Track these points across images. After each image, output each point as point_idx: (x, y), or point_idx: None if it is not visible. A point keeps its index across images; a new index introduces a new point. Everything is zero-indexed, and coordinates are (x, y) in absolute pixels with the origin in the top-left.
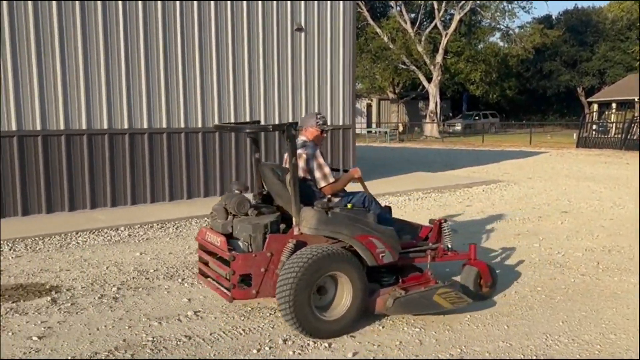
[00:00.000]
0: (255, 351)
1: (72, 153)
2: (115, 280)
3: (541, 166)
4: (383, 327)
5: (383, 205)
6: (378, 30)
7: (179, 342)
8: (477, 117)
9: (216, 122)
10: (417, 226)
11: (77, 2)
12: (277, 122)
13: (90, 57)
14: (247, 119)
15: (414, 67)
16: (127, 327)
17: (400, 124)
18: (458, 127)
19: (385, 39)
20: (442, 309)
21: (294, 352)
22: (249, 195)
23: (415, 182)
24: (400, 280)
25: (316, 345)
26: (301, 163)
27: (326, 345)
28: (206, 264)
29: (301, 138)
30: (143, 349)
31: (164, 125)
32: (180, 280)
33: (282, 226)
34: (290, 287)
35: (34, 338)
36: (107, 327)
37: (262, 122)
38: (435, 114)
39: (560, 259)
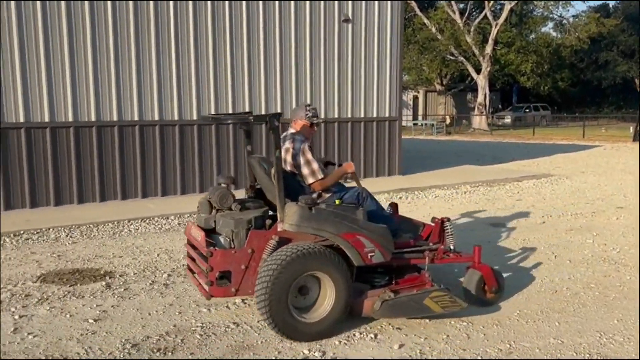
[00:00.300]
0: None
1: (125, 145)
2: (166, 267)
3: (595, 160)
4: (430, 320)
5: (389, 202)
6: (426, 20)
7: (227, 329)
8: (527, 110)
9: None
10: (419, 225)
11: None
12: (322, 115)
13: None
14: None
15: (462, 58)
16: (177, 313)
17: (447, 117)
18: (507, 120)
19: (433, 29)
20: (432, 313)
21: (339, 342)
22: (241, 192)
23: (463, 175)
24: (393, 282)
25: (362, 335)
26: (288, 157)
27: (372, 336)
28: (194, 259)
29: (290, 131)
30: (192, 335)
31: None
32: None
33: (270, 222)
34: (266, 287)
35: (90, 320)
36: (158, 313)
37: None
38: (483, 106)
39: (615, 255)
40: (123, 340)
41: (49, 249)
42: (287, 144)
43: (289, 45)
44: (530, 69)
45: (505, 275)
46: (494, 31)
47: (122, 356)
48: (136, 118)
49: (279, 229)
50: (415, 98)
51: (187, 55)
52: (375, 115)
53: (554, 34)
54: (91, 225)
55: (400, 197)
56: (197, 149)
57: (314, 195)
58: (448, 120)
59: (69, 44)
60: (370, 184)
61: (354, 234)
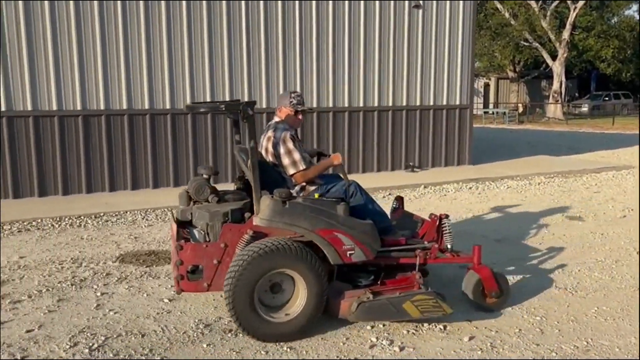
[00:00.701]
0: (369, 327)
1: (198, 129)
2: None
3: None
4: (502, 314)
5: (395, 196)
6: (499, 5)
7: None
8: (607, 98)
9: (330, 104)
10: (419, 221)
11: None
12: (389, 103)
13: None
14: (362, 102)
15: (537, 44)
16: None
17: (520, 105)
18: (585, 109)
19: (507, 14)
20: (410, 318)
21: (407, 332)
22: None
23: (537, 166)
24: (379, 282)
25: (431, 326)
26: (269, 146)
27: (441, 327)
28: None
29: (274, 119)
30: None
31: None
32: None
33: (250, 215)
34: (231, 283)
35: (165, 300)
36: None
37: (376, 103)
38: (559, 94)
39: None
40: (197, 320)
41: (127, 231)
42: (269, 133)
43: (357, 33)
44: (611, 55)
45: (580, 270)
46: (572, 15)
47: (195, 335)
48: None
49: (254, 222)
50: (487, 85)
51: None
52: (445, 103)
53: (639, 17)
54: (165, 209)
55: (470, 188)
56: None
57: (297, 188)
58: (521, 109)
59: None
60: (439, 174)
61: (331, 230)
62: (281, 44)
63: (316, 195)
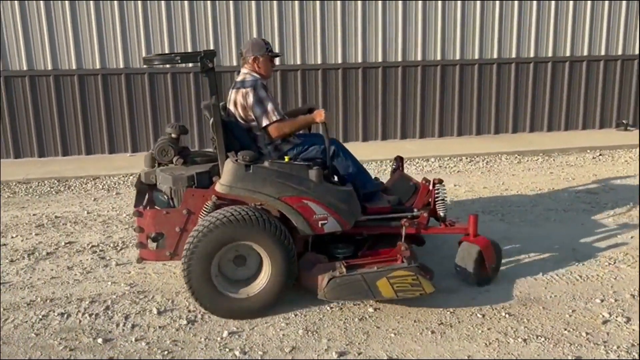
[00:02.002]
0: (598, 300)
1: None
2: None
3: None
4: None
5: (395, 156)
6: None
7: None
8: None
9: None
10: (415, 186)
11: None
12: (531, 54)
13: None
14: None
15: None
16: None
17: None
18: None
19: None
20: (382, 298)
21: None
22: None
23: None
24: (359, 254)
25: None
26: (239, 98)
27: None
28: None
29: (243, 71)
30: None
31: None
32: (500, 215)
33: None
34: (186, 255)
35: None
36: None
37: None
38: None
39: None
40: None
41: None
42: (238, 84)
43: None
44: None
45: None
46: None
47: None
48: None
49: (216, 187)
50: None
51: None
52: (602, 52)
53: None
54: None
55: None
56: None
57: (269, 148)
58: None
59: None
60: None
61: (300, 197)
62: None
63: (286, 159)
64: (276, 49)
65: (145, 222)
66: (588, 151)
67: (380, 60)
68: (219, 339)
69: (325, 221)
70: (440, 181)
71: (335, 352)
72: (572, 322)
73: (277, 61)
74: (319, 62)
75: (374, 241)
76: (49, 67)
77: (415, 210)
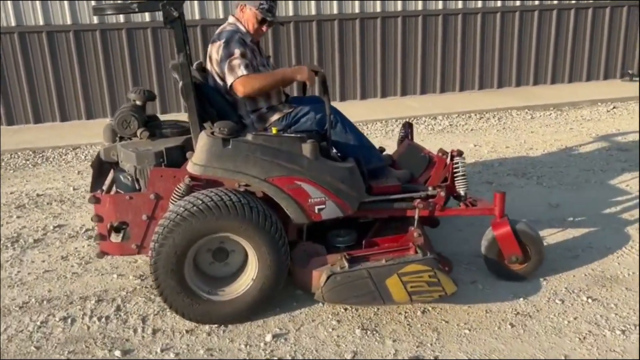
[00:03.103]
0: None
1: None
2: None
3: None
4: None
5: (403, 122)
6: None
7: None
8: None
9: None
10: (428, 159)
11: None
12: None
13: None
14: None
15: None
16: None
17: None
18: None
19: None
20: (392, 302)
21: None
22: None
23: None
24: (364, 242)
25: None
26: (213, 52)
27: None
28: None
29: (228, 20)
30: None
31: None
32: (535, 178)
33: None
34: (154, 249)
35: None
36: None
37: None
38: None
39: None
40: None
41: None
42: (215, 35)
43: None
44: None
45: None
46: None
47: None
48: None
49: (187, 167)
50: None
51: None
52: None
53: None
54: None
55: None
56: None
57: (252, 118)
58: None
59: None
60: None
61: (291, 178)
62: None
63: (274, 130)
64: None
65: (105, 209)
66: (599, 104)
67: (379, 10)
68: (262, 344)
69: (323, 206)
70: (460, 153)
71: (407, 358)
72: None
73: (265, 28)
74: (313, 12)
75: (381, 226)
76: (12, 24)
77: (429, 188)
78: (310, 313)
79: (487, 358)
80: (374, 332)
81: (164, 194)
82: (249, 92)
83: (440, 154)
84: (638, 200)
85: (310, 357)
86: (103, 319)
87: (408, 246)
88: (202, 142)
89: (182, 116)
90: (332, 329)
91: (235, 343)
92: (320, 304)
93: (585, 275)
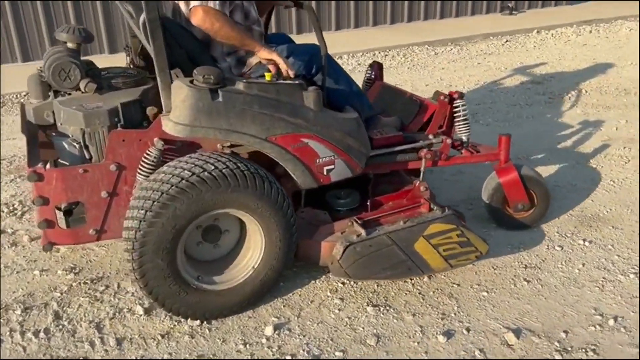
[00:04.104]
0: None
1: None
2: None
3: None
4: None
5: (371, 62)
6: None
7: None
8: None
9: None
10: (415, 104)
11: None
12: None
13: None
14: None
15: None
16: None
17: None
18: None
19: None
20: (431, 271)
21: None
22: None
23: None
24: (368, 202)
25: None
26: None
27: None
28: None
29: None
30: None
31: None
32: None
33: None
34: (135, 240)
35: None
36: None
37: None
38: None
39: None
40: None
41: None
42: None
43: None
44: None
45: None
46: None
47: None
48: None
49: (163, 127)
50: None
51: None
52: None
53: None
54: None
55: (590, 31)
56: None
57: (229, 62)
58: None
59: None
60: (543, 17)
61: (297, 135)
62: None
63: (267, 77)
64: None
65: (51, 187)
66: (492, 38)
67: None
68: (263, 340)
69: (332, 166)
70: (461, 95)
71: (440, 334)
72: None
73: None
74: None
75: (375, 182)
76: None
77: (431, 136)
78: (305, 293)
79: (529, 326)
80: (387, 308)
81: (127, 163)
82: (205, 26)
83: (441, 97)
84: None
85: (329, 349)
86: (41, 334)
87: (419, 202)
88: (182, 94)
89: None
90: (339, 310)
91: (230, 343)
92: (310, 279)
93: (569, 216)
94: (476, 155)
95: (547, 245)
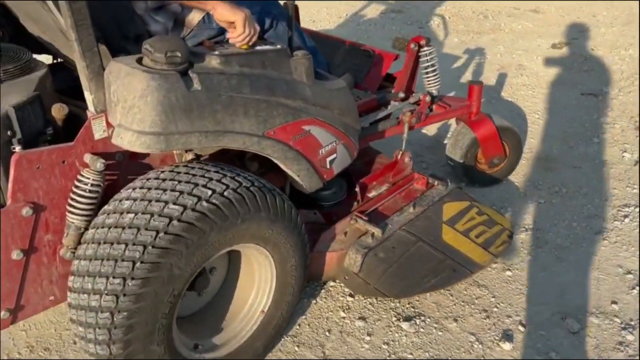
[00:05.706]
0: None
1: None
2: None
3: None
4: None
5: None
6: None
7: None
8: None
9: None
10: (367, 54)
11: None
12: None
13: None
14: None
15: None
16: None
17: None
18: None
19: None
20: (479, 268)
21: None
22: None
23: None
24: (357, 189)
25: None
26: None
27: None
28: None
29: None
30: None
31: None
32: None
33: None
34: (110, 321)
35: None
36: None
37: None
38: None
39: None
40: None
41: None
42: None
43: None
44: None
45: None
46: None
47: None
48: None
49: (114, 140)
50: None
51: None
52: None
53: None
54: None
55: None
56: None
57: (161, 20)
58: None
59: None
60: None
61: (297, 122)
62: None
63: (243, 46)
64: None
65: None
66: None
67: None
68: None
69: (334, 155)
70: (428, 41)
71: (499, 340)
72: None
73: None
74: None
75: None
76: None
77: (401, 93)
78: (314, 321)
79: (575, 304)
80: (422, 318)
81: (47, 200)
82: None
83: (411, 45)
84: None
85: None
86: None
87: (411, 178)
88: (137, 86)
89: None
90: (368, 335)
91: None
92: (310, 298)
93: (525, 161)
94: (450, 110)
95: (530, 201)
